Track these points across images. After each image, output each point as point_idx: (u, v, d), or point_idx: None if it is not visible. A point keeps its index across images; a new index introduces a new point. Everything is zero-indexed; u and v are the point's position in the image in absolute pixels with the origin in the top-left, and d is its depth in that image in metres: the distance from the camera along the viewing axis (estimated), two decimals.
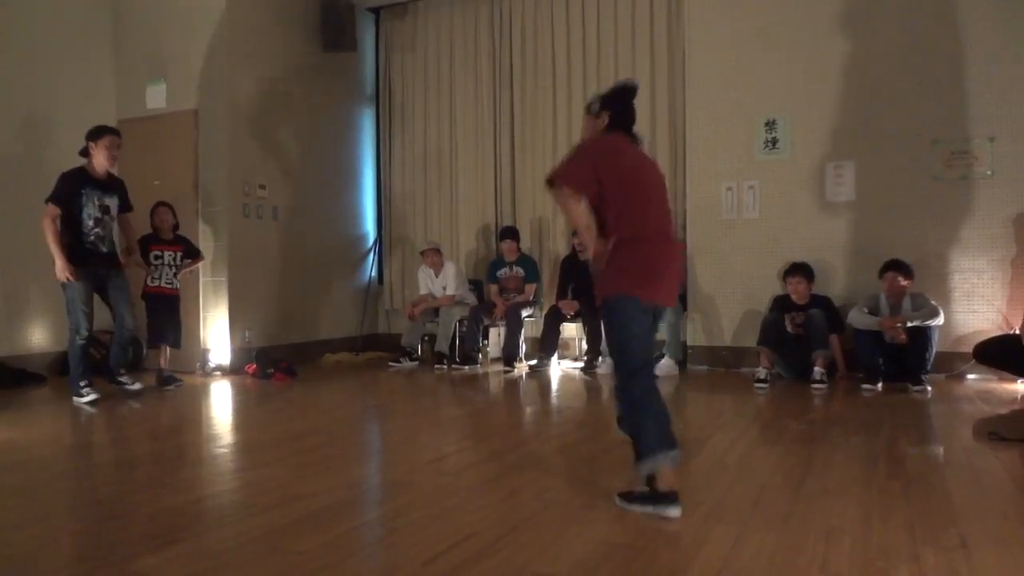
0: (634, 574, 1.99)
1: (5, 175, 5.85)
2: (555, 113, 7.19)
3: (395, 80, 8.04)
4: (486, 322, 6.74)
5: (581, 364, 6.36)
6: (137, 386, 5.17)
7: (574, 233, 6.36)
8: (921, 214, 5.72)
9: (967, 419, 4.12)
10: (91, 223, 4.90)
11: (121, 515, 2.56)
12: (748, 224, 6.22)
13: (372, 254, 8.12)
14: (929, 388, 5.01)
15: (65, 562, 2.18)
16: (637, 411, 2.52)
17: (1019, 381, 5.25)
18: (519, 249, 6.90)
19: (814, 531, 2.29)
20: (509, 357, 6.42)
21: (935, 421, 4.19)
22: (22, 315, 5.96)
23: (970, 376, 5.54)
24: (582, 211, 2.59)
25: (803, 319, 5.51)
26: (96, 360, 5.35)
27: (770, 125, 6.15)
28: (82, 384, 4.85)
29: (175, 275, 5.74)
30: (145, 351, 6.14)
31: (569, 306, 6.38)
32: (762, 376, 5.38)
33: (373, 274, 8.11)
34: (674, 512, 2.42)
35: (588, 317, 6.25)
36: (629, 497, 2.52)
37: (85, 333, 4.87)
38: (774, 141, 6.15)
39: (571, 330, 6.93)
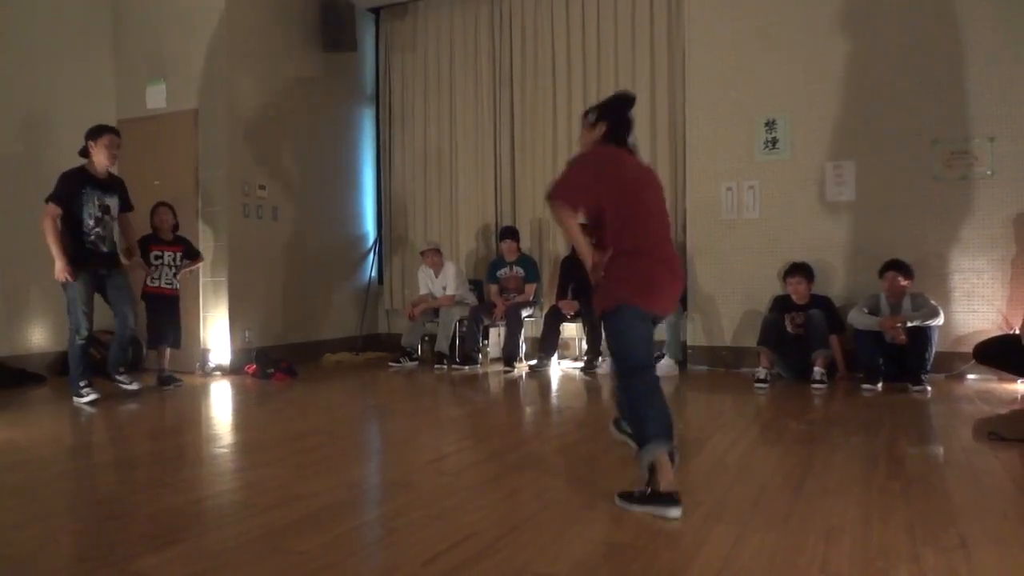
0: (634, 574, 1.99)
1: (5, 175, 5.85)
2: (555, 113, 7.19)
3: (395, 80, 8.04)
4: (486, 322, 6.74)
5: (581, 364, 6.36)
6: (135, 386, 5.17)
7: None
8: (921, 214, 5.72)
9: (967, 419, 4.12)
10: (91, 223, 4.90)
11: (121, 515, 2.56)
12: (748, 224, 6.22)
13: (372, 254, 8.13)
14: (929, 388, 5.01)
15: (65, 562, 2.18)
16: (639, 405, 2.55)
17: (1019, 381, 5.25)
18: (519, 249, 6.90)
19: (814, 531, 2.29)
20: (509, 357, 6.42)
21: (935, 421, 4.19)
22: (22, 315, 5.96)
23: (970, 376, 5.54)
24: (576, 226, 2.65)
25: (803, 319, 5.51)
26: (96, 360, 5.35)
27: (770, 125, 6.15)
28: (82, 384, 4.85)
29: (175, 275, 5.74)
30: (145, 351, 6.14)
31: (569, 306, 6.38)
32: (762, 376, 5.38)
33: (373, 274, 8.11)
34: (675, 513, 2.42)
35: (588, 317, 6.24)
36: (629, 497, 2.52)
37: (85, 333, 4.87)
38: (774, 141, 6.15)
39: (571, 330, 6.93)
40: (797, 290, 5.64)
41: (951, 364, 5.57)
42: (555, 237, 7.21)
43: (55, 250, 4.74)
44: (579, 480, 2.95)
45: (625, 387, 2.61)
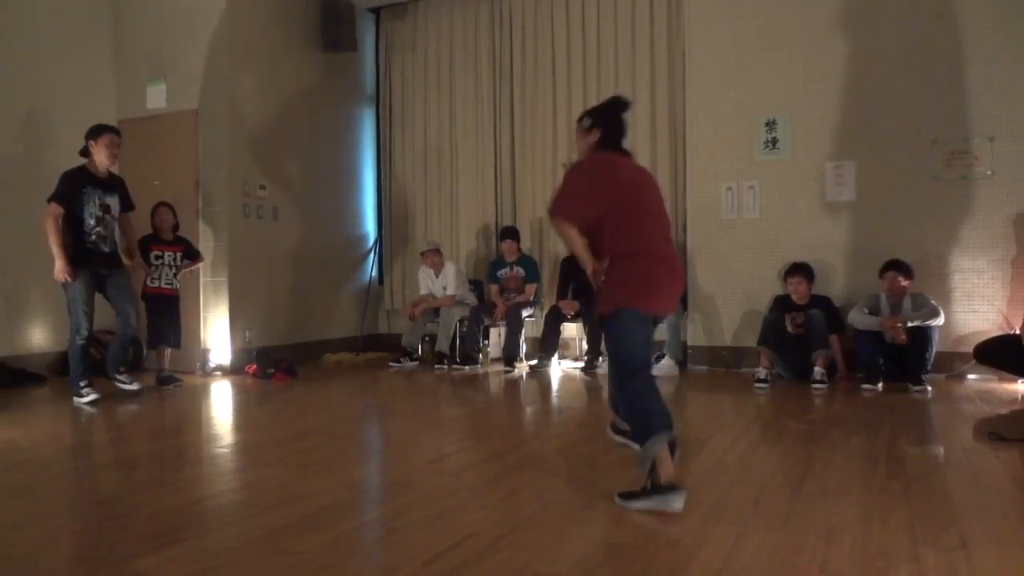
0: (634, 574, 1.99)
1: (5, 175, 5.85)
2: (555, 113, 7.19)
3: (395, 80, 8.04)
4: (486, 322, 6.74)
5: (581, 364, 6.36)
6: (135, 386, 5.16)
7: None
8: (921, 214, 5.72)
9: (967, 419, 4.11)
10: (92, 222, 4.90)
11: (121, 515, 2.56)
12: (748, 224, 6.22)
13: (372, 254, 8.13)
14: (929, 388, 5.01)
15: (65, 562, 2.18)
16: (639, 402, 2.57)
17: (1019, 381, 5.25)
18: (519, 249, 6.90)
19: (814, 531, 2.29)
20: (509, 357, 6.42)
21: (935, 421, 4.19)
22: (22, 315, 5.96)
23: (970, 376, 5.54)
24: (578, 237, 2.69)
25: (803, 319, 5.51)
26: (96, 360, 5.35)
27: (770, 125, 6.15)
28: (82, 384, 4.85)
29: (175, 275, 5.74)
30: (145, 352, 6.14)
31: (569, 306, 6.38)
32: (762, 376, 5.38)
33: (373, 274, 8.12)
34: (678, 503, 2.42)
35: (588, 317, 6.24)
36: (630, 496, 2.52)
37: (85, 333, 4.87)
38: (774, 141, 6.15)
39: (571, 330, 6.93)
40: (797, 290, 5.64)
41: (951, 364, 5.57)
42: (555, 237, 7.19)
43: (56, 250, 4.73)
44: (579, 480, 2.95)
45: (621, 387, 2.64)
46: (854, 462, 3.18)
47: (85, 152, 4.97)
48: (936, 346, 5.18)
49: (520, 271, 6.82)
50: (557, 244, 7.18)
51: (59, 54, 6.27)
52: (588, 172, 2.74)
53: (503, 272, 6.87)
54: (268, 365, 6.04)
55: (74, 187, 4.84)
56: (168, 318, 5.70)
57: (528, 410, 4.85)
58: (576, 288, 6.42)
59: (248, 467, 3.27)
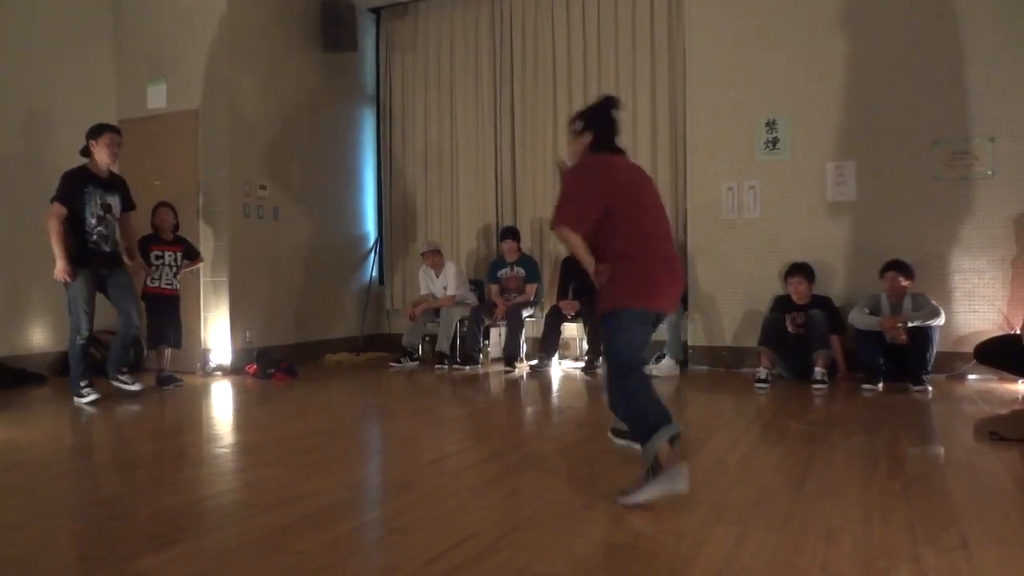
0: (634, 574, 1.99)
1: (5, 175, 5.85)
2: (555, 113, 7.18)
3: (395, 80, 8.04)
4: (487, 322, 6.74)
5: (582, 364, 6.37)
6: (136, 387, 5.15)
7: None
8: (921, 214, 5.72)
9: (968, 419, 4.11)
10: (94, 222, 4.89)
11: (122, 515, 2.56)
12: (749, 224, 6.22)
13: (372, 254, 8.13)
14: (930, 388, 5.01)
15: (65, 562, 2.18)
16: (638, 400, 2.58)
17: (1020, 381, 5.25)
18: (520, 249, 6.90)
19: (814, 531, 2.28)
20: (510, 357, 6.42)
21: (936, 421, 4.19)
22: (22, 315, 5.97)
23: (971, 376, 5.54)
24: (582, 244, 2.70)
25: (804, 319, 5.51)
26: (97, 360, 5.36)
27: (770, 125, 6.15)
28: (82, 384, 4.85)
29: (175, 275, 5.74)
30: (145, 352, 6.14)
31: (570, 306, 6.38)
32: (763, 376, 5.38)
33: (374, 274, 8.12)
34: (683, 482, 2.43)
35: (589, 317, 6.24)
36: (632, 490, 2.51)
37: (86, 333, 4.87)
38: (774, 141, 6.15)
39: (572, 330, 6.93)
40: (798, 290, 5.64)
41: (952, 364, 5.57)
42: (555, 238, 7.21)
43: (58, 250, 4.74)
44: (579, 480, 2.95)
45: (619, 387, 2.66)
46: (855, 462, 3.17)
47: (86, 152, 4.97)
48: (936, 346, 5.18)
49: (520, 271, 6.82)
50: (557, 244, 7.17)
51: (59, 54, 6.27)
52: (586, 175, 2.75)
53: (503, 272, 6.88)
54: (268, 365, 6.04)
55: (76, 187, 4.84)
56: (168, 318, 5.70)
57: (528, 410, 4.84)
58: (576, 288, 6.42)
59: (248, 467, 3.27)
